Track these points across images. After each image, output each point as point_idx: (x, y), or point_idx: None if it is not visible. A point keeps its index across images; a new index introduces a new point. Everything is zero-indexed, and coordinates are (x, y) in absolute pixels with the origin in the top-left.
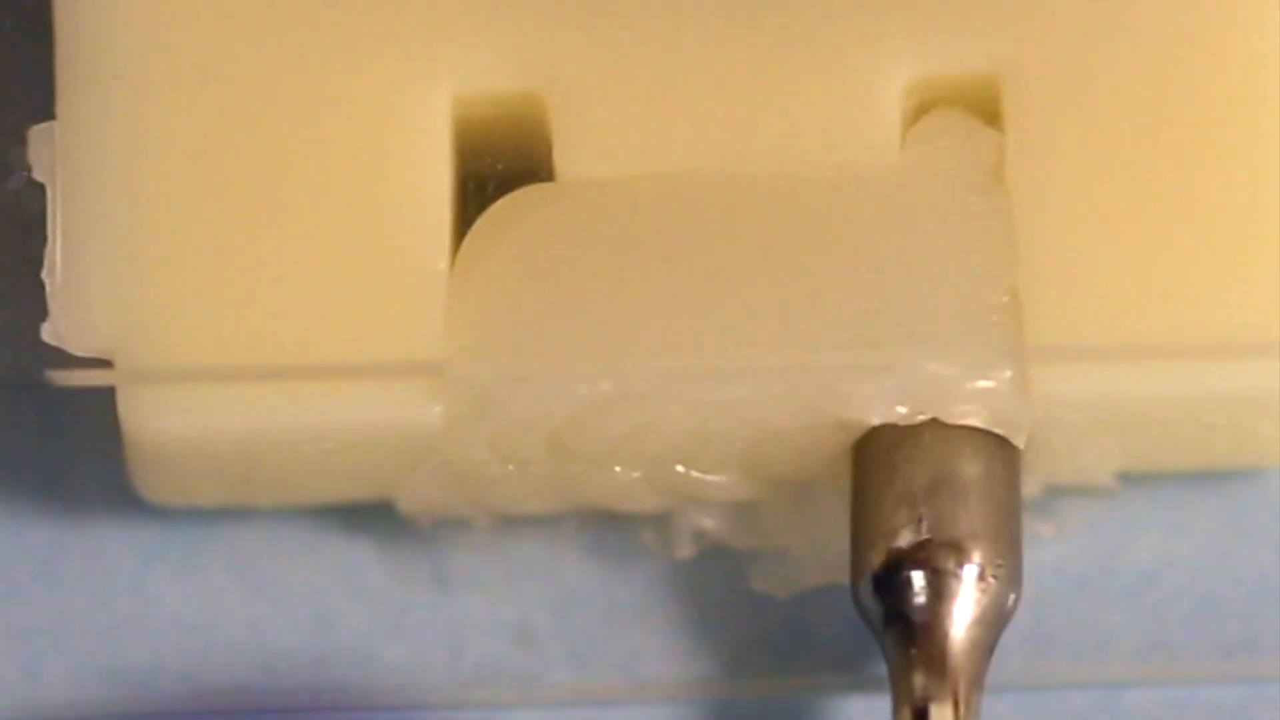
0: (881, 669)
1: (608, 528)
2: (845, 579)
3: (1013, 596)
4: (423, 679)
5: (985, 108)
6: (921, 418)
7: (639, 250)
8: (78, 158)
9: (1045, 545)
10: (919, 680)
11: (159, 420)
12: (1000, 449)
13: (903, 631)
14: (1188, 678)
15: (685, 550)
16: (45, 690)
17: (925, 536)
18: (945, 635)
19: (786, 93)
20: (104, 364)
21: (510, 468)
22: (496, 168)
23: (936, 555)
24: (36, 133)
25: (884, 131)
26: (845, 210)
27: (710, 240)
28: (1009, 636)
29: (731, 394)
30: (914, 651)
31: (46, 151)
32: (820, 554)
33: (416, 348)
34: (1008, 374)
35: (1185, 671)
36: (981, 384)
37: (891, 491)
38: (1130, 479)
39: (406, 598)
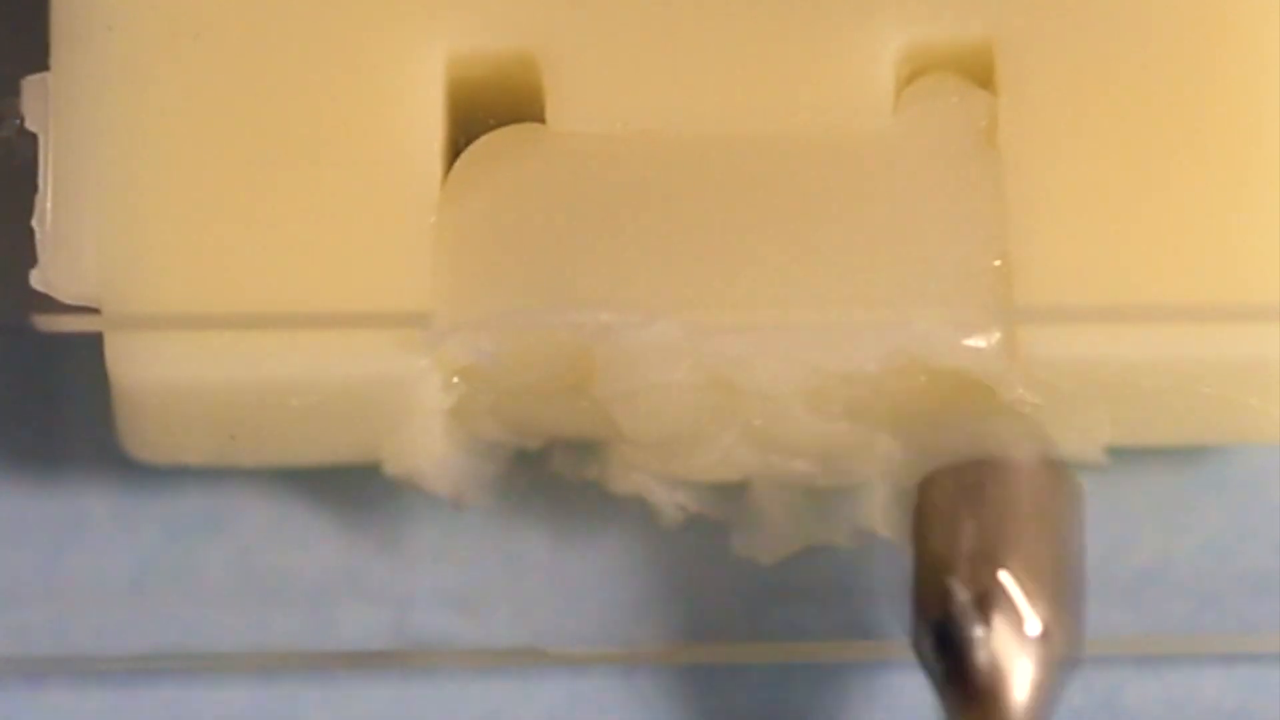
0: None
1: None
2: (827, 540)
3: (1076, 656)
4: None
5: (979, 73)
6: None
7: (627, 203)
8: (70, 108)
9: None
10: None
11: (146, 370)
12: (1067, 496)
13: (963, 691)
14: (1188, 676)
15: (673, 518)
16: None
17: (987, 593)
18: (1006, 697)
19: (780, 55)
20: (92, 312)
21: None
22: (489, 125)
23: (998, 612)
24: (30, 83)
25: (877, 95)
26: (837, 171)
27: (701, 198)
28: None
29: (721, 351)
30: (973, 713)
31: (39, 101)
32: (801, 519)
33: (406, 301)
34: (996, 334)
35: (1186, 670)
36: (970, 343)
37: (956, 544)
38: (1130, 478)
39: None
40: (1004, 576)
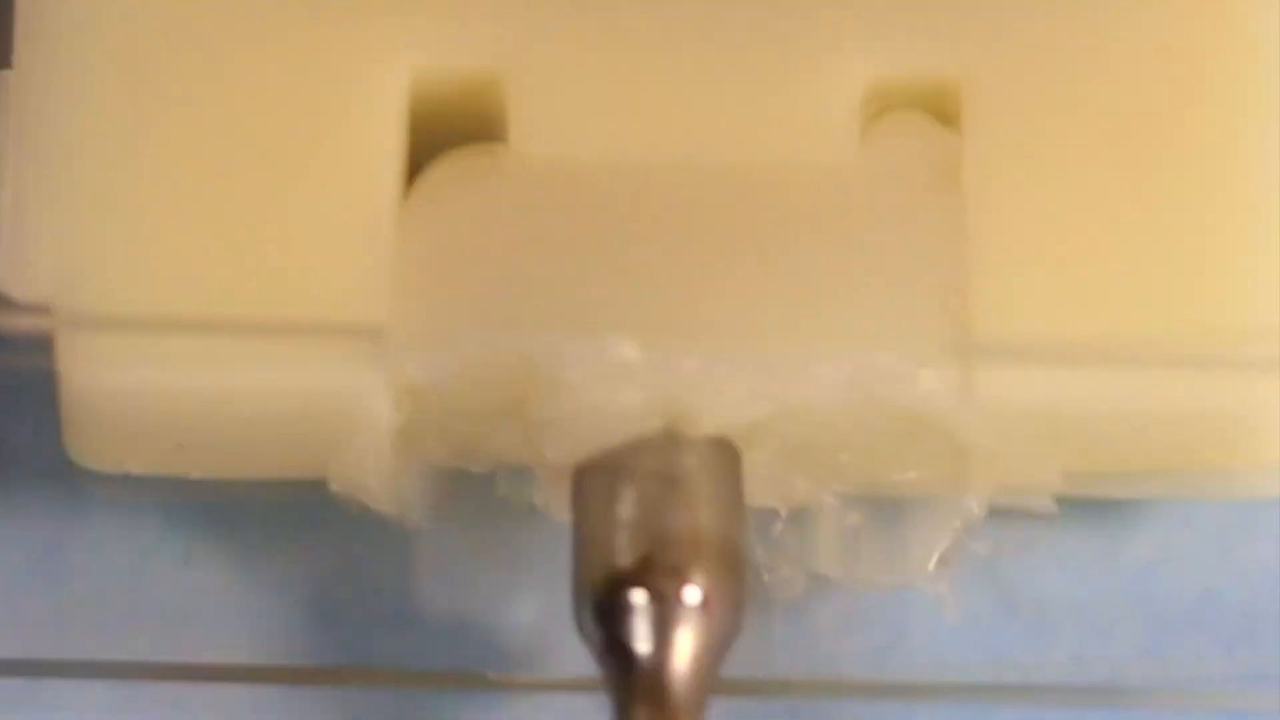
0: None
1: None
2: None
3: (735, 621)
4: None
5: (946, 112)
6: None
7: (587, 227)
8: (31, 107)
9: (1043, 544)
10: (640, 712)
11: (96, 373)
12: (724, 466)
13: (623, 660)
14: (1188, 675)
15: None
16: None
17: (645, 560)
18: (666, 664)
19: (747, 86)
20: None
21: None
22: (451, 143)
23: (657, 580)
24: None
25: (843, 130)
26: (799, 203)
27: (662, 225)
28: (1011, 638)
29: (678, 379)
30: (634, 680)
31: None
32: None
33: (360, 315)
34: (952, 372)
35: (1186, 669)
36: (926, 382)
37: (611, 515)
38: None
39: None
40: (661, 545)
